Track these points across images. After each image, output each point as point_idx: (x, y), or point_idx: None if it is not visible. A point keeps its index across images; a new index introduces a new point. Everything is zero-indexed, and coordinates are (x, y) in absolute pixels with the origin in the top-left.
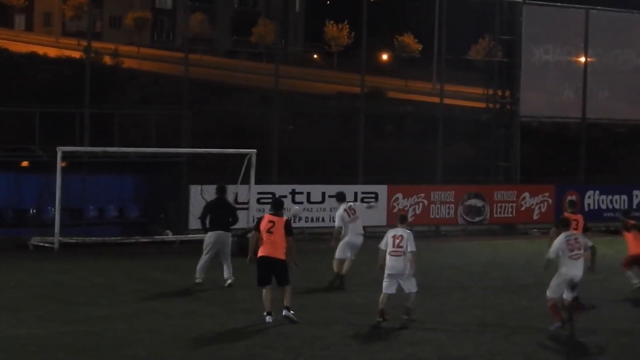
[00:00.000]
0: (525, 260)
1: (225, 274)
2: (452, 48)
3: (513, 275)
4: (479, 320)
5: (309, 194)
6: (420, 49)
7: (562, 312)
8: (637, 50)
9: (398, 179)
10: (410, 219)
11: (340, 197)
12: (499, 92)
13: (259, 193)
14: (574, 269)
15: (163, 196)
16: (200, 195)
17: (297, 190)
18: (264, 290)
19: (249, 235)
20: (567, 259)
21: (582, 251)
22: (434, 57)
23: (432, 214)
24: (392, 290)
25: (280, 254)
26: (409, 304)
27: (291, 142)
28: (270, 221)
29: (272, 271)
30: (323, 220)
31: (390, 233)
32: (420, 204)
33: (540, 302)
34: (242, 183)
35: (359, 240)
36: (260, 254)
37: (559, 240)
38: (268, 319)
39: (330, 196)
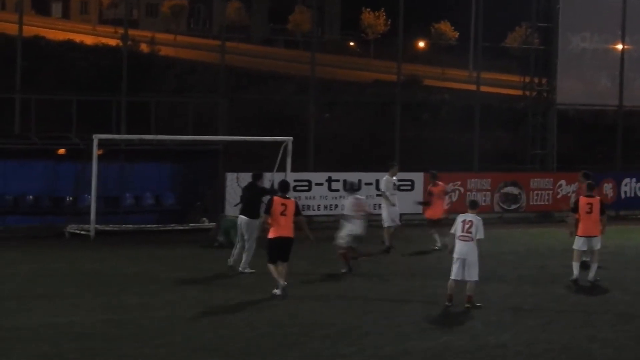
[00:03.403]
0: (562, 249)
1: (242, 260)
2: (489, 36)
3: (549, 264)
4: (516, 309)
5: (344, 181)
6: (456, 36)
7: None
8: None
9: (434, 167)
10: (447, 206)
11: (350, 188)
12: (536, 80)
13: (295, 181)
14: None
15: (199, 184)
16: (236, 183)
17: (333, 178)
18: (273, 266)
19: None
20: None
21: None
22: (471, 44)
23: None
24: (459, 276)
25: (291, 233)
26: (469, 292)
27: (327, 130)
28: (282, 204)
29: (281, 249)
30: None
31: (461, 218)
32: (457, 192)
33: (577, 290)
34: (278, 171)
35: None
36: (274, 234)
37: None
38: (278, 291)
39: (366, 184)
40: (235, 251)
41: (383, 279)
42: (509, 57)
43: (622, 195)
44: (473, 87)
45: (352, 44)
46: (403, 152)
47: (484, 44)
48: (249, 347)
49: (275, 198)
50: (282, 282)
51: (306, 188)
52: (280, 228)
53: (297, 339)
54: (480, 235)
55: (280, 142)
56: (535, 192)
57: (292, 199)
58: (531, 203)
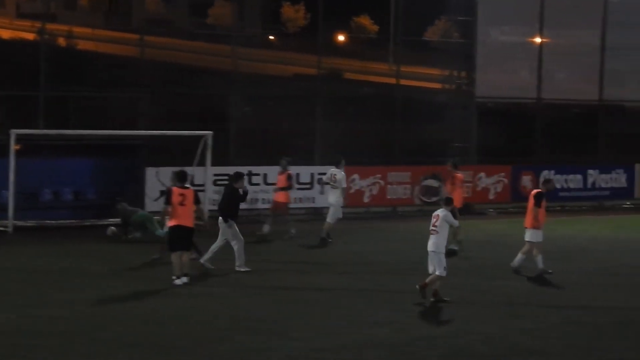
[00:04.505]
0: (485, 240)
1: (236, 260)
2: (409, 29)
3: (473, 256)
4: (441, 301)
5: (265, 175)
6: (376, 30)
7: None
8: (593, 30)
9: (356, 160)
10: (367, 200)
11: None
12: (456, 73)
13: (215, 175)
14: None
15: (120, 179)
16: (156, 178)
17: (253, 172)
18: (175, 255)
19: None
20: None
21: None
22: (391, 38)
23: (389, 195)
24: (429, 269)
25: (190, 223)
26: (434, 286)
27: (249, 124)
28: (180, 194)
29: (181, 238)
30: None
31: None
32: (377, 185)
33: (502, 281)
34: (199, 165)
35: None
36: (174, 223)
37: None
38: (177, 281)
39: None
40: (213, 248)
41: (312, 272)
42: (430, 51)
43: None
44: (393, 81)
45: (272, 38)
46: (324, 146)
47: (403, 38)
48: (179, 341)
49: (174, 188)
50: (179, 269)
51: (226, 182)
52: (179, 217)
53: (226, 333)
54: (452, 223)
55: (201, 137)
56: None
57: (191, 188)
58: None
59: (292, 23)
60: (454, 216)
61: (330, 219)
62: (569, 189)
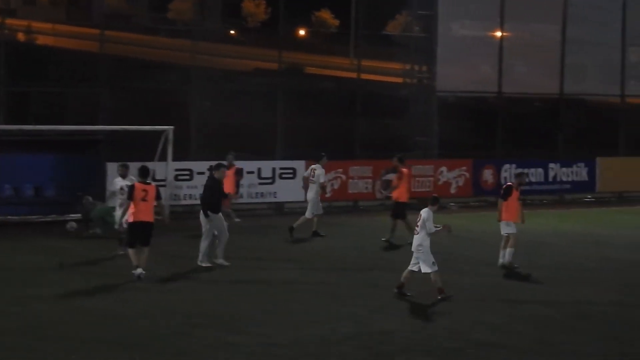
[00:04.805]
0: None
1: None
2: (370, 23)
3: (437, 250)
4: (401, 295)
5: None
6: (337, 24)
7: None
8: (553, 24)
9: (317, 154)
10: (328, 194)
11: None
12: (417, 68)
13: (176, 170)
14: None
15: (81, 174)
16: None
17: (237, 167)
18: (133, 250)
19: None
20: None
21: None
22: (352, 32)
23: (351, 189)
24: (413, 267)
25: (151, 218)
26: (436, 284)
27: (210, 118)
28: (143, 190)
29: (141, 233)
30: (241, 196)
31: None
32: (339, 179)
33: (464, 276)
34: (160, 160)
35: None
36: (134, 219)
37: None
38: (137, 271)
39: (248, 172)
40: (203, 246)
41: (273, 267)
42: (390, 45)
43: (502, 181)
44: (354, 75)
45: (233, 32)
46: (286, 140)
47: (364, 32)
48: (138, 337)
49: (137, 184)
50: (137, 264)
51: (188, 177)
52: (141, 213)
53: (187, 328)
54: (427, 228)
55: (161, 132)
56: (417, 178)
57: (153, 184)
58: (413, 190)
59: (253, 17)
60: (401, 211)
61: (307, 214)
62: (530, 183)
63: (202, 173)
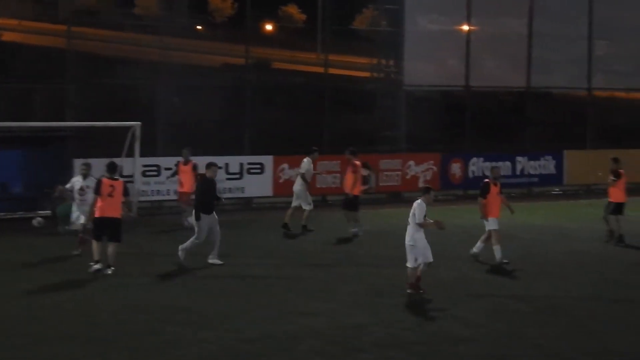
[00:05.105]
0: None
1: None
2: (337, 18)
3: (401, 244)
4: (374, 290)
5: (194, 166)
6: (304, 19)
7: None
8: (520, 18)
9: (286, 149)
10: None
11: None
12: (384, 62)
13: (144, 166)
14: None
15: (48, 171)
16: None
17: (194, 163)
18: (97, 244)
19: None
20: None
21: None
22: (319, 27)
23: (319, 184)
24: (410, 262)
25: (117, 214)
26: (408, 280)
27: (177, 114)
28: (110, 185)
29: (107, 228)
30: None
31: None
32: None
33: (432, 270)
34: (127, 156)
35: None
36: (100, 214)
37: None
38: (96, 266)
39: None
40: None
41: (243, 262)
42: (358, 40)
43: (470, 175)
44: (322, 70)
45: (200, 27)
46: (255, 135)
47: (331, 27)
48: (109, 333)
49: (104, 180)
50: (97, 259)
51: (155, 173)
52: (107, 208)
53: (157, 324)
54: (416, 219)
55: (129, 128)
56: (385, 173)
57: (120, 180)
58: (381, 184)
59: (220, 13)
60: (354, 205)
61: (304, 206)
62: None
63: (170, 169)
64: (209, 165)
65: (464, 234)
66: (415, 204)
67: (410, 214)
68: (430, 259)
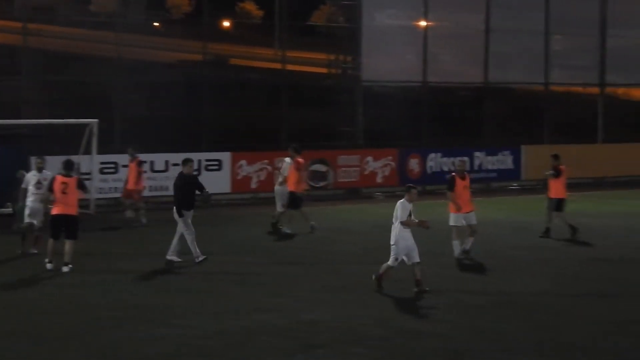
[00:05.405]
0: (374, 225)
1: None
2: (294, 14)
3: (362, 240)
4: (331, 287)
5: (152, 162)
6: (261, 15)
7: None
8: (477, 13)
9: (243, 146)
10: (254, 185)
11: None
12: (342, 58)
13: (101, 163)
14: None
15: (4, 169)
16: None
17: (140, 159)
18: (52, 241)
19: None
20: None
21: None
22: (276, 23)
23: (277, 180)
24: (409, 260)
25: (73, 211)
26: (417, 276)
27: (134, 111)
28: (63, 182)
29: (63, 226)
30: (167, 189)
31: None
32: (264, 170)
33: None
34: (85, 153)
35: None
36: (56, 212)
37: None
38: (49, 266)
39: (174, 164)
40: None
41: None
42: (315, 35)
43: (428, 171)
44: (280, 66)
45: (157, 24)
46: (212, 132)
47: (289, 22)
48: (66, 331)
49: (57, 176)
50: (51, 259)
51: (113, 170)
52: (61, 205)
53: (112, 322)
54: (399, 218)
55: (86, 125)
56: (343, 168)
57: (75, 176)
58: (339, 180)
59: (177, 9)
60: (296, 201)
61: (278, 207)
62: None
63: (126, 166)
64: (185, 161)
65: (422, 230)
66: (397, 204)
67: (393, 214)
68: (416, 259)
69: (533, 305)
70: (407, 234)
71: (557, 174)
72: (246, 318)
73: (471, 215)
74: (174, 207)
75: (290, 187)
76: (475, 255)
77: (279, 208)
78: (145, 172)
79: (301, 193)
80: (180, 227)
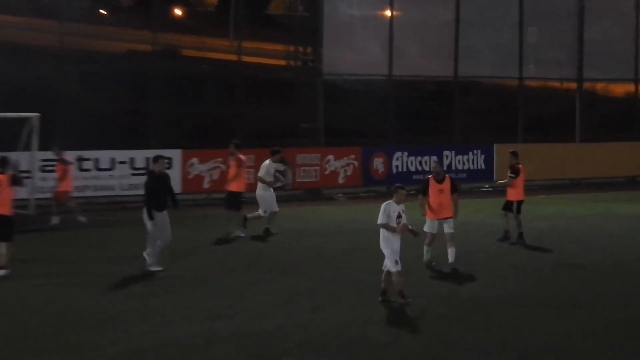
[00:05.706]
0: (333, 228)
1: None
2: (250, 2)
3: (323, 244)
4: (288, 292)
5: (97, 160)
6: (216, 3)
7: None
8: (446, 3)
9: (195, 143)
10: (207, 185)
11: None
12: (301, 49)
13: (43, 160)
14: None
15: None
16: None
17: (84, 157)
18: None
19: None
20: None
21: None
22: (231, 11)
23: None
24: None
25: (7, 211)
26: (397, 286)
27: (79, 104)
28: None
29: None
30: (113, 188)
31: None
32: (218, 169)
33: (351, 271)
34: (24, 150)
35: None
36: None
37: None
38: (2, 272)
39: (120, 162)
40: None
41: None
42: (273, 25)
43: (394, 170)
44: (234, 57)
45: (104, 12)
46: (162, 128)
47: (245, 12)
48: (6, 336)
49: None
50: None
51: (54, 168)
52: None
53: (56, 328)
54: (378, 219)
55: (26, 119)
56: (303, 168)
57: (8, 173)
58: (298, 180)
59: None
60: (235, 203)
61: (260, 211)
62: (423, 172)
63: (71, 163)
64: (156, 159)
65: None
66: (382, 206)
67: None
68: (391, 268)
69: (500, 312)
70: (392, 237)
71: (517, 174)
72: (197, 326)
73: (449, 222)
74: (144, 209)
75: (232, 187)
76: (443, 261)
77: (261, 212)
78: (68, 170)
79: (241, 193)
80: (150, 230)
